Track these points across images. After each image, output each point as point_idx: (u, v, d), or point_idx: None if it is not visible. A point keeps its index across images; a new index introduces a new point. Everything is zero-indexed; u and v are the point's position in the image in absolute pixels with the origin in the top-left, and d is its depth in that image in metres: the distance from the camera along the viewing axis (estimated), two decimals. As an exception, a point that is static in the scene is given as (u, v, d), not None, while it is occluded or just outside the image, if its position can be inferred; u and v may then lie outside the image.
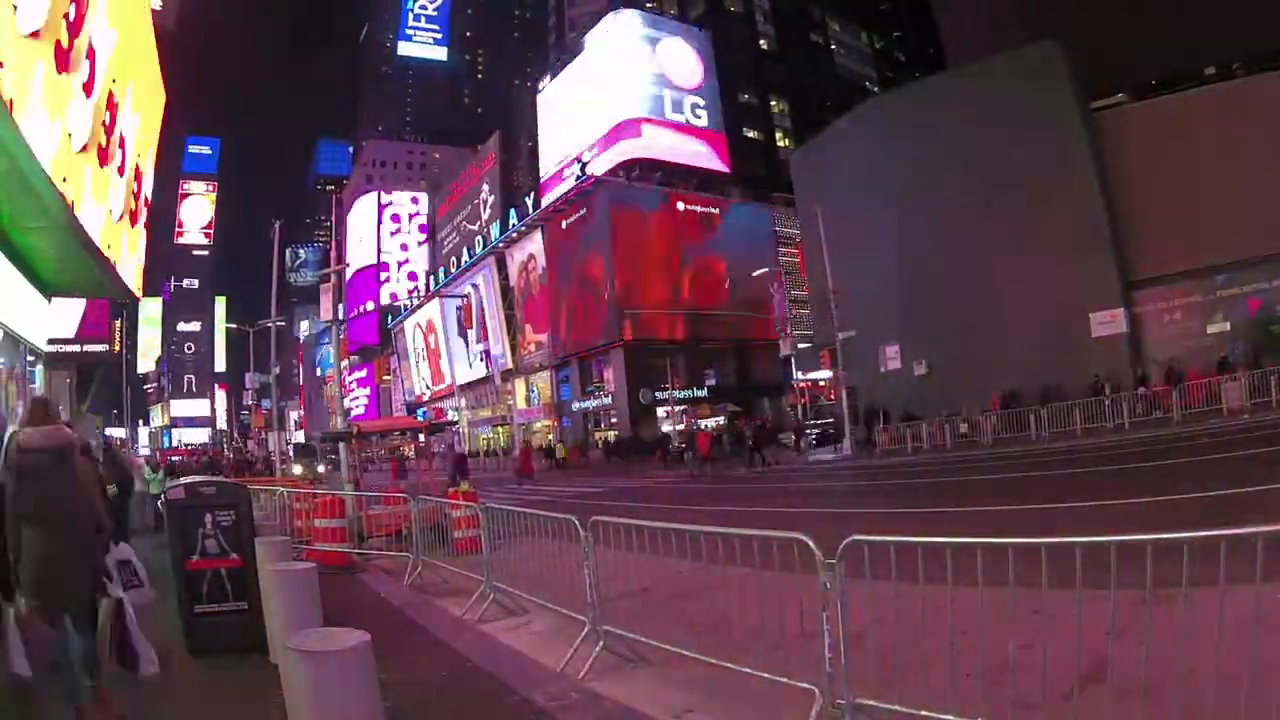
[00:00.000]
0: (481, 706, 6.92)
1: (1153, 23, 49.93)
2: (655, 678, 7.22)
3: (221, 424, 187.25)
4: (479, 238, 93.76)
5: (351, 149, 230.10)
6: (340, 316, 29.47)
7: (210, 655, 8.69)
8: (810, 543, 5.44)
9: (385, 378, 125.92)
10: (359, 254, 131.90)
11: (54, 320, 25.03)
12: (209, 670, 8.41)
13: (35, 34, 12.99)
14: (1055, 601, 4.57)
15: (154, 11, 27.17)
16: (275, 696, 5.93)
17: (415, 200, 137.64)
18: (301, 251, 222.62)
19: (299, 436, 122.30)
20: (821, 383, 61.20)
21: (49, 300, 23.99)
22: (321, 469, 32.75)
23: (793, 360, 57.72)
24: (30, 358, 24.13)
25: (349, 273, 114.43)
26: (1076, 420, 33.16)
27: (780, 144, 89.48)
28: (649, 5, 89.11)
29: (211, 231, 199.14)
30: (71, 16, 14.45)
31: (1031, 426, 34.26)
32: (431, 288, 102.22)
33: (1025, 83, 42.81)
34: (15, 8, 11.81)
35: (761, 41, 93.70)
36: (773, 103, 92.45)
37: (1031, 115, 42.38)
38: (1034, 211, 41.84)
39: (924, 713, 4.86)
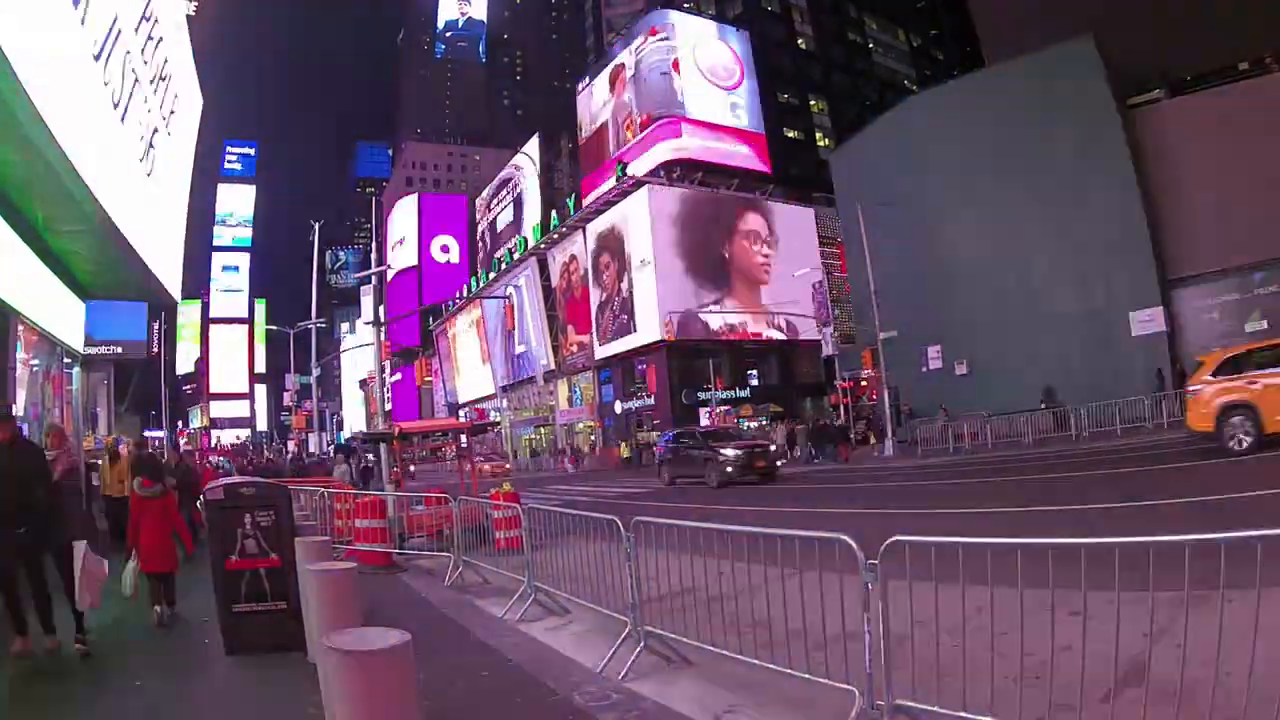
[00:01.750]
0: (521, 706, 6.94)
1: (1183, 17, 49.41)
2: (695, 678, 7.24)
3: (261, 425, 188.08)
4: (520, 239, 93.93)
5: (391, 151, 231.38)
6: (381, 318, 29.50)
7: (248, 654, 8.77)
8: (852, 543, 5.44)
9: (426, 379, 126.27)
10: (399, 256, 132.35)
11: (90, 322, 25.23)
12: (246, 669, 8.50)
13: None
14: (1094, 603, 4.53)
15: (189, 18, 27.36)
16: (312, 696, 5.95)
17: (455, 202, 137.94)
18: (342, 254, 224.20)
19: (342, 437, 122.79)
20: (864, 382, 60.90)
21: (85, 303, 24.19)
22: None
23: (835, 360, 57.52)
24: (67, 359, 24.34)
25: (390, 275, 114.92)
26: (1117, 420, 32.87)
27: (820, 143, 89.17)
28: (686, 5, 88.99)
29: (251, 234, 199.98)
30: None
31: (1073, 426, 33.99)
32: (473, 289, 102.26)
33: (1062, 80, 42.47)
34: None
35: (799, 41, 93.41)
36: (812, 102, 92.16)
37: (1069, 112, 42.01)
38: (1073, 209, 41.54)
39: (962, 714, 4.86)
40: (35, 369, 21.14)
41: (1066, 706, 4.65)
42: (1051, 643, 4.72)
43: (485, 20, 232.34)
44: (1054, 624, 4.69)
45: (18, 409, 18.68)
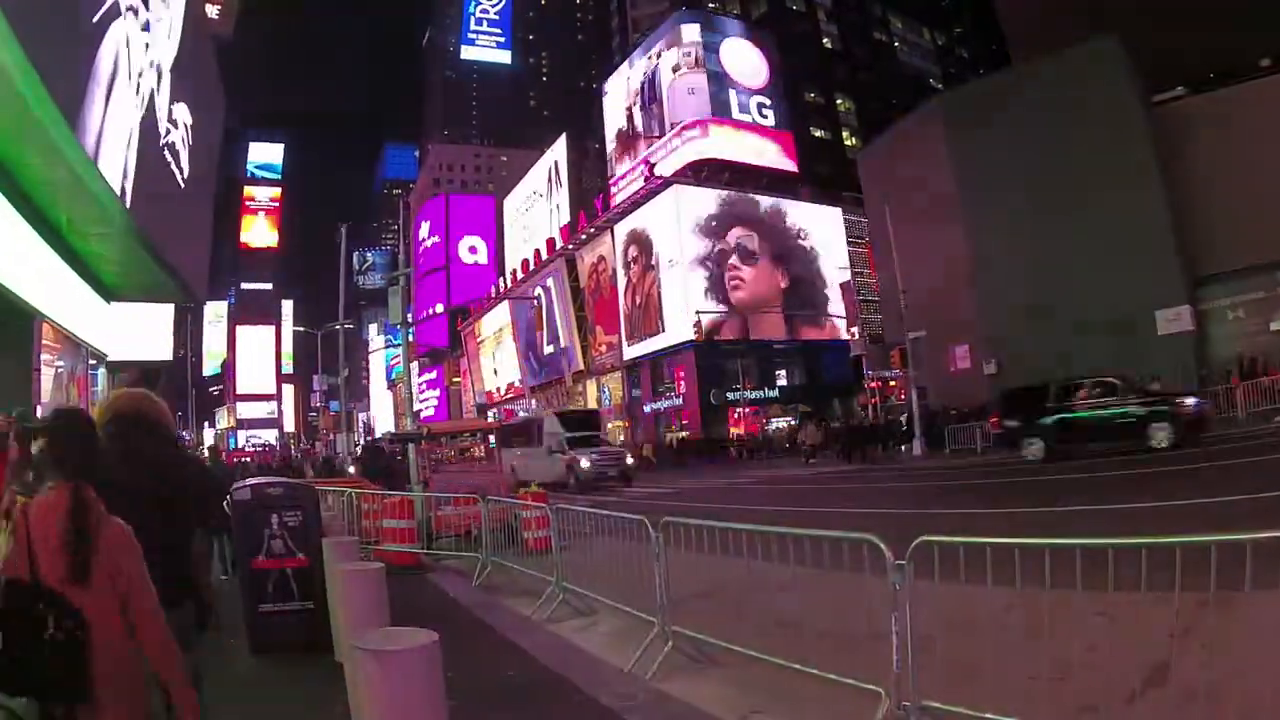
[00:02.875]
0: (548, 706, 6.97)
1: (1204, 13, 49.03)
2: (723, 679, 7.24)
3: (289, 426, 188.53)
4: (548, 240, 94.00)
5: (418, 153, 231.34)
6: (409, 319, 29.59)
7: (274, 654, 8.82)
8: (880, 543, 5.43)
9: (455, 379, 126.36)
10: (427, 257, 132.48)
11: (116, 324, 25.39)
12: (272, 669, 8.54)
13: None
14: (1120, 603, 4.52)
15: (210, 20, 27.58)
16: (339, 695, 5.97)
17: (483, 203, 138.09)
18: (369, 255, 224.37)
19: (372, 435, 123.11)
20: (892, 382, 60.72)
21: (110, 304, 24.34)
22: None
23: (863, 360, 57.40)
24: (92, 361, 24.48)
25: (417, 276, 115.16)
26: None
27: (848, 143, 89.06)
28: (711, 5, 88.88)
29: (278, 235, 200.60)
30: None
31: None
32: (501, 290, 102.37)
33: (1086, 78, 42.37)
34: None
35: (825, 40, 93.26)
36: (839, 101, 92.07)
37: (1093, 111, 41.84)
38: (1099, 208, 41.30)
39: (989, 715, 4.84)
40: (60, 370, 21.27)
41: (1091, 708, 4.64)
42: (1076, 643, 4.71)
43: (510, 21, 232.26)
44: (1080, 624, 4.69)
45: (42, 411, 18.84)
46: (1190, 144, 40.06)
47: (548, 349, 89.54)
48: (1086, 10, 54.80)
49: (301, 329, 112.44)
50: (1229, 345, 39.29)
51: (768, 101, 79.00)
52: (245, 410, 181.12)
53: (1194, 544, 4.29)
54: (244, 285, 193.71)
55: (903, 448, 42.29)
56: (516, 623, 10.41)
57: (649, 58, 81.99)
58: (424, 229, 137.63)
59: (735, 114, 76.39)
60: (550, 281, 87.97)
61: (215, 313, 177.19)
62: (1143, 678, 4.62)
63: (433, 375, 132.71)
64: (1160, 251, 40.18)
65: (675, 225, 68.24)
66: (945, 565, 5.23)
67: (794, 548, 6.63)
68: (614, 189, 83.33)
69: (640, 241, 73.35)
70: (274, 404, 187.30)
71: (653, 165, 74.55)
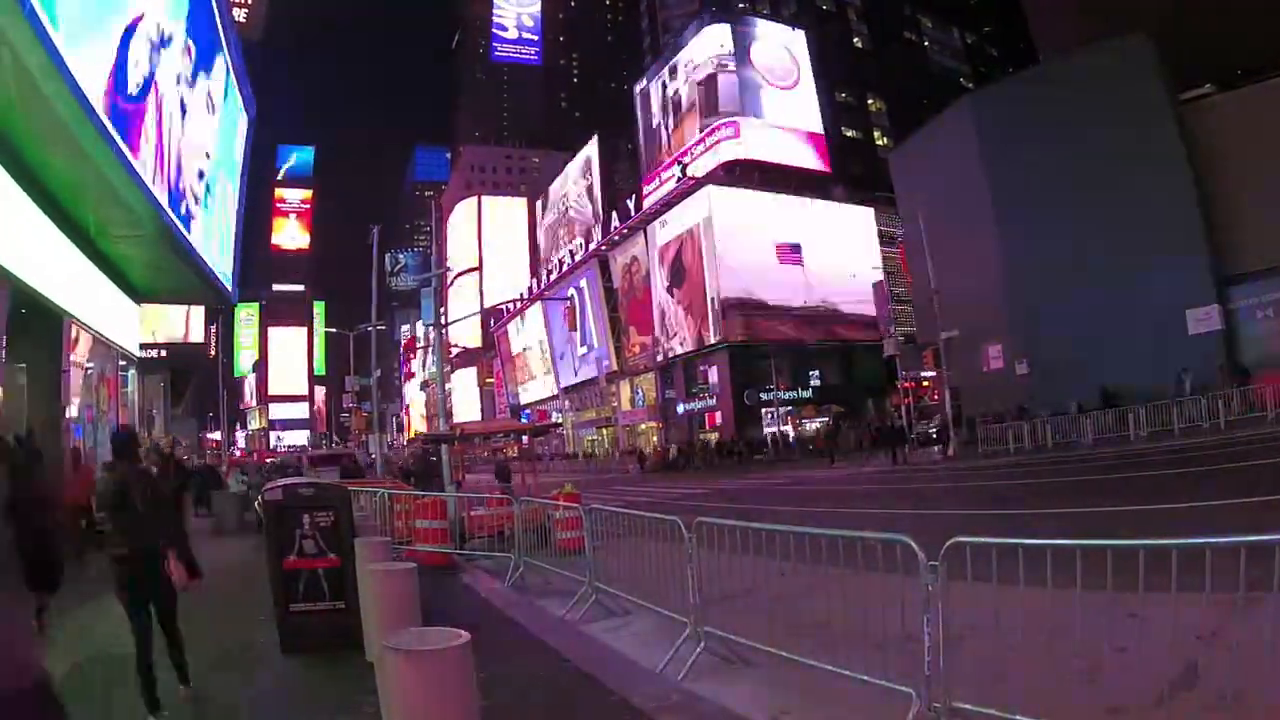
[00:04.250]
0: (580, 706, 7.00)
1: (1231, 10, 48.59)
2: (754, 679, 7.26)
3: (320, 426, 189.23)
4: (581, 240, 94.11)
5: (449, 154, 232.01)
6: (442, 320, 29.70)
7: (304, 653, 8.86)
8: (913, 544, 5.42)
9: (488, 380, 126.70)
10: (460, 258, 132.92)
11: (146, 325, 25.62)
12: (302, 668, 8.57)
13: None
14: (1150, 604, 4.49)
15: (239, 23, 27.73)
16: (369, 695, 5.99)
17: (515, 204, 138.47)
18: (401, 256, 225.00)
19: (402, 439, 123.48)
20: (925, 383, 60.43)
21: (139, 306, 24.53)
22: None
23: (897, 360, 57.25)
24: (122, 362, 24.68)
25: (450, 277, 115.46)
26: (1175, 419, 32.48)
27: (879, 142, 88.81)
28: (742, 5, 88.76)
29: (309, 236, 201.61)
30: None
31: (1130, 426, 33.64)
32: (534, 291, 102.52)
33: (1115, 77, 42.15)
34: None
35: (855, 40, 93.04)
36: (870, 101, 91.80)
37: (1122, 109, 41.60)
38: (1129, 207, 41.04)
39: (1018, 717, 4.81)
40: (90, 371, 21.45)
41: (1120, 710, 4.62)
42: (1106, 644, 4.69)
43: (540, 23, 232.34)
44: (1111, 625, 4.67)
45: (71, 411, 19.01)
46: (1219, 142, 39.69)
47: (581, 350, 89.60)
48: (1114, 8, 54.36)
49: (333, 330, 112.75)
50: (1258, 345, 38.92)
51: (800, 102, 78.69)
52: (277, 411, 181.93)
53: (1225, 545, 4.27)
54: (275, 287, 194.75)
55: (937, 448, 42.19)
56: (548, 623, 10.42)
57: (681, 57, 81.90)
58: (456, 230, 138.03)
59: (768, 115, 76.17)
60: (583, 282, 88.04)
61: (247, 314, 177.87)
62: (1171, 680, 4.61)
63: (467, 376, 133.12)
64: (1189, 250, 39.85)
65: (709, 225, 68.07)
66: (977, 566, 5.22)
67: (827, 548, 6.62)
68: (646, 190, 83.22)
69: (674, 241, 73.18)
70: (305, 405, 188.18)
71: (685, 166, 74.46)
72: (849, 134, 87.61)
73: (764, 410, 64.81)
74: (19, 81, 11.76)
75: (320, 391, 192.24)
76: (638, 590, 9.53)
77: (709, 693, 6.94)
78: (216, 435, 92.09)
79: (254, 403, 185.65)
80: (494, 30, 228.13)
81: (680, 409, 73.46)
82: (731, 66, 75.93)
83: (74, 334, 19.24)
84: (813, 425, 65.83)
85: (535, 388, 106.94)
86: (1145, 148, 40.69)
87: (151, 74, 16.78)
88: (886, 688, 5.72)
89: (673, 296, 73.66)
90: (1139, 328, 40.22)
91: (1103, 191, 41.86)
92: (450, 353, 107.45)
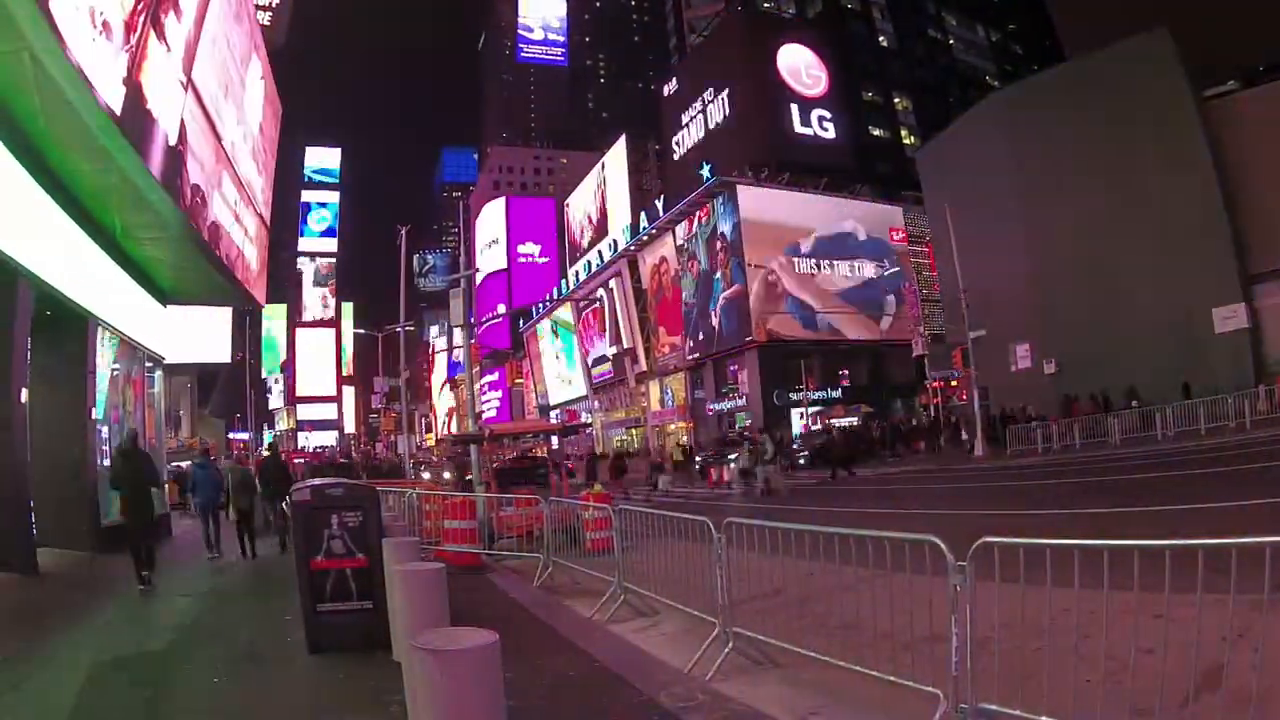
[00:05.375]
0: (607, 706, 7.04)
1: (1254, 6, 48.27)
2: (782, 680, 7.30)
3: (349, 427, 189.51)
4: (610, 240, 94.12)
5: (476, 155, 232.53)
6: (471, 321, 29.77)
7: (331, 653, 8.92)
8: (942, 545, 5.43)
9: (518, 380, 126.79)
10: (488, 259, 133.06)
11: (172, 327, 25.77)
12: (329, 667, 8.60)
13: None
14: (1176, 605, 4.49)
15: (262, 27, 27.85)
16: (395, 694, 6.03)
17: (543, 205, 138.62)
18: (430, 257, 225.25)
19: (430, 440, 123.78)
20: (954, 382, 60.26)
21: (165, 307, 24.67)
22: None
23: (925, 360, 57.02)
24: (149, 364, 24.82)
25: (479, 277, 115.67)
26: (1201, 419, 32.30)
27: (906, 141, 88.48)
28: (766, 6, 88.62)
29: (336, 239, 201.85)
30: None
31: (1157, 426, 33.47)
32: (563, 291, 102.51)
33: (1138, 74, 41.97)
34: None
35: (880, 39, 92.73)
36: (896, 100, 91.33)
37: (1145, 106, 41.48)
38: (1153, 205, 40.87)
39: (1043, 719, 4.79)
40: (116, 373, 21.60)
41: (1145, 711, 4.62)
42: (1133, 645, 4.70)
43: (566, 24, 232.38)
44: (1138, 626, 4.67)
45: (98, 412, 19.17)
46: (1243, 138, 39.38)
47: (610, 350, 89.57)
48: (1138, 5, 54.15)
49: (361, 331, 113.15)
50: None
51: (828, 114, 78.49)
52: (306, 412, 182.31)
53: (1251, 545, 4.27)
54: (302, 287, 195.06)
55: (969, 446, 42.11)
56: (577, 623, 10.51)
57: (705, 62, 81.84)
58: (484, 230, 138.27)
59: (796, 128, 76.02)
60: (612, 283, 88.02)
61: (274, 316, 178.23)
62: (1196, 681, 4.60)
63: (495, 377, 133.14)
64: (1214, 248, 39.53)
65: (736, 224, 67.99)
66: (1005, 567, 5.22)
67: (855, 548, 6.63)
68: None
69: (702, 240, 73.11)
70: (334, 405, 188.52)
71: (712, 165, 74.33)
72: (876, 133, 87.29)
73: (793, 410, 64.64)
74: (41, 88, 11.84)
75: (349, 392, 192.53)
76: (667, 590, 9.57)
77: (737, 693, 6.99)
78: (244, 435, 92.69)
79: (282, 403, 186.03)
80: (519, 32, 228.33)
81: (711, 409, 73.34)
82: (755, 79, 75.67)
83: (99, 336, 19.38)
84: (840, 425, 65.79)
85: (564, 388, 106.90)
86: (1169, 145, 40.61)
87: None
88: (914, 688, 5.75)
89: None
90: (1165, 326, 40.04)
91: (1128, 188, 41.72)
92: (479, 355, 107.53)
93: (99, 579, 15.10)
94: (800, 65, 78.22)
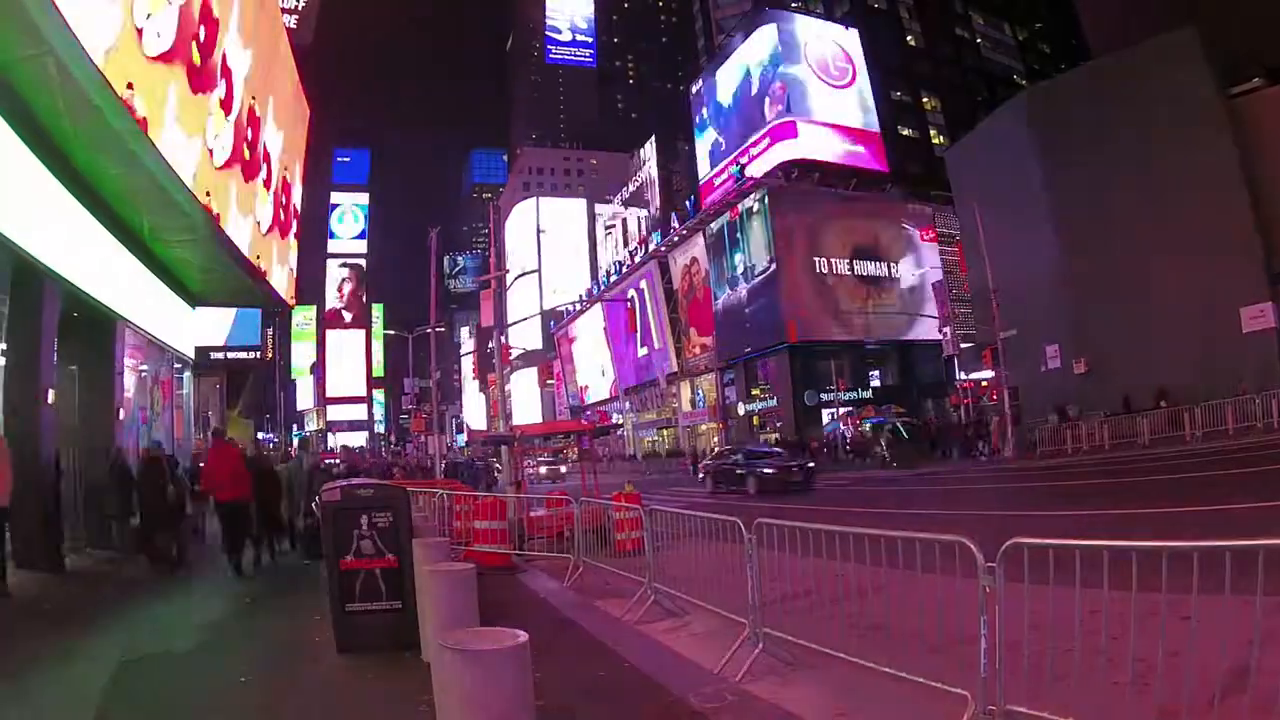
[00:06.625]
0: (636, 707, 7.08)
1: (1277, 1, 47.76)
2: (811, 680, 7.31)
3: (379, 428, 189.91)
4: (640, 242, 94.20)
5: (506, 157, 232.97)
6: (502, 322, 29.87)
7: (360, 653, 8.95)
8: (972, 546, 5.43)
9: (549, 381, 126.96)
10: (519, 260, 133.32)
11: (201, 328, 25.95)
12: (357, 667, 8.63)
13: (165, 57, 13.48)
14: (1204, 607, 4.49)
15: (289, 30, 27.92)
16: (424, 694, 6.06)
17: (574, 205, 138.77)
18: (460, 259, 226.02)
19: (460, 440, 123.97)
20: (984, 383, 60.11)
21: (194, 309, 24.83)
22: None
23: (955, 360, 56.87)
24: (177, 365, 25.00)
25: (509, 279, 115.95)
26: (1228, 420, 32.10)
27: (935, 141, 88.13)
28: (795, 4, 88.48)
29: (365, 240, 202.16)
30: (202, 38, 15.02)
31: (1186, 426, 33.24)
32: (594, 292, 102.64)
33: (1163, 71, 41.70)
34: (141, 31, 12.24)
35: (909, 38, 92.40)
36: (925, 99, 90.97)
37: (1171, 103, 41.22)
38: (1182, 204, 40.61)
39: (1072, 721, 4.80)
40: (144, 374, 21.75)
41: (1171, 713, 4.62)
42: (1160, 647, 4.69)
43: (594, 24, 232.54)
44: (1165, 629, 4.67)
45: (125, 414, 19.35)
46: (1270, 136, 39.14)
47: (641, 351, 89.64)
48: (1164, 2, 53.72)
49: (391, 332, 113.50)
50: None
51: (855, 100, 78.32)
52: (336, 413, 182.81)
53: (1276, 547, 4.25)
54: (330, 286, 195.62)
55: (982, 446, 42.06)
56: (607, 623, 10.51)
57: (735, 57, 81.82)
58: (514, 232, 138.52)
59: (824, 114, 75.68)
60: (643, 284, 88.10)
61: (304, 317, 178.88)
62: (1223, 684, 4.60)
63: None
64: (1242, 246, 39.24)
65: (766, 226, 67.96)
66: (1034, 568, 5.22)
67: (885, 549, 6.62)
68: (705, 190, 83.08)
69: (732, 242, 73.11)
70: (364, 406, 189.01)
71: (743, 166, 74.28)
72: (905, 133, 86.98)
73: (824, 410, 64.57)
74: (65, 91, 11.92)
75: (379, 394, 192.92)
76: (697, 591, 9.54)
77: (766, 694, 7.01)
78: (272, 437, 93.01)
79: (312, 404, 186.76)
80: (547, 33, 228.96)
81: (741, 409, 73.28)
82: (787, 66, 75.57)
83: (126, 337, 19.51)
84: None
85: (596, 389, 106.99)
86: (1195, 141, 40.30)
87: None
88: (943, 690, 5.74)
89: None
90: (1193, 326, 39.81)
91: (1156, 187, 41.53)
92: (509, 357, 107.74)
93: (125, 578, 15.19)
94: (829, 59, 78.06)
